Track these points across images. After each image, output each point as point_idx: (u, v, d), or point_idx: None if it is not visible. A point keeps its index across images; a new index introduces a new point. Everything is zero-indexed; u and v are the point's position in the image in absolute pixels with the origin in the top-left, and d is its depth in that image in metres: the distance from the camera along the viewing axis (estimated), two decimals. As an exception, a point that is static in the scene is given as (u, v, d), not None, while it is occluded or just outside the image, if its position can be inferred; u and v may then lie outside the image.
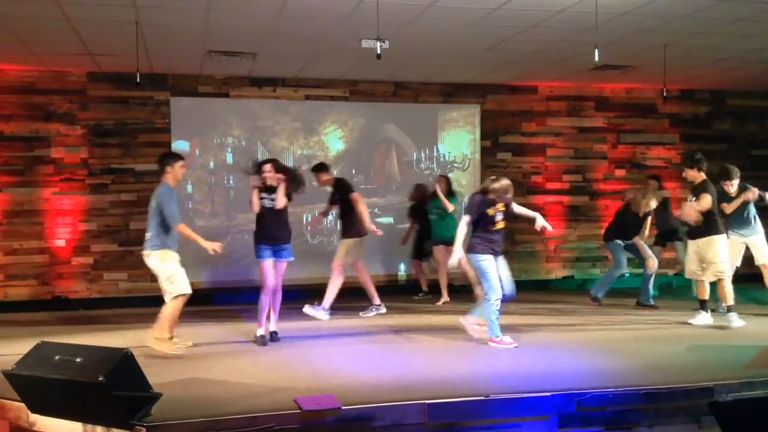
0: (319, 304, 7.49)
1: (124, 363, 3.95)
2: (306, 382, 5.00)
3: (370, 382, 5.03)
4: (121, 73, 8.69)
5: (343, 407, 4.32)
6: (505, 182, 6.30)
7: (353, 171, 9.80)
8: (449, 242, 7.38)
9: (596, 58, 6.31)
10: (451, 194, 8.61)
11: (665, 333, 6.82)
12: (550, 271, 10.49)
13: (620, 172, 10.66)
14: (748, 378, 4.99)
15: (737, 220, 7.40)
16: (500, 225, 6.35)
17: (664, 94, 8.73)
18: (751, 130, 11.15)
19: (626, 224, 8.19)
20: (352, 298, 8.10)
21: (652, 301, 8.21)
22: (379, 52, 6.09)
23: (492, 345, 6.14)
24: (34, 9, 6.30)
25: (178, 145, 9.23)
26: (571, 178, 10.54)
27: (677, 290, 9.72)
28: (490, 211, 6.27)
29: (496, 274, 6.25)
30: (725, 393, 4.74)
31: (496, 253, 6.32)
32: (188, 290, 6.00)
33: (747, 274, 7.97)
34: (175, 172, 6.08)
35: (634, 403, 4.73)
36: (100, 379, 3.79)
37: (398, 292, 9.35)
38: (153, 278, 9.19)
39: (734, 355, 5.77)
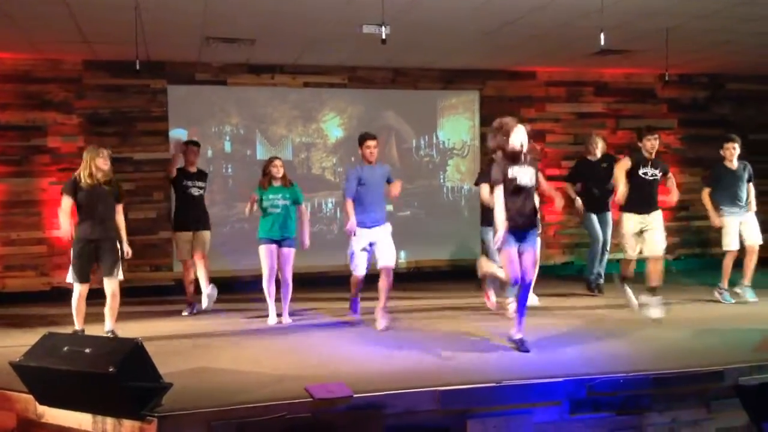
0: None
1: (135, 353, 3.92)
2: (315, 369, 4.98)
3: (380, 369, 5.00)
4: (118, 61, 8.56)
5: (354, 395, 4.29)
6: None
7: (352, 158, 9.70)
8: None
9: (602, 42, 6.26)
10: None
11: (673, 317, 6.79)
12: (550, 257, 10.45)
13: (620, 158, 10.60)
14: (758, 361, 4.99)
15: (734, 199, 7.51)
16: None
17: (666, 78, 8.69)
18: (750, 115, 11.11)
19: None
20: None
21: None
22: (384, 37, 6.01)
23: None
24: (31, -5, 6.20)
25: (176, 134, 9.14)
26: (570, 164, 10.42)
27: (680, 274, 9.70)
28: None
29: None
30: (735, 376, 4.75)
31: None
32: None
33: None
34: None
35: (645, 387, 4.74)
36: (111, 369, 3.75)
37: (400, 280, 9.23)
38: (152, 268, 9.26)
39: (743, 338, 5.78)
